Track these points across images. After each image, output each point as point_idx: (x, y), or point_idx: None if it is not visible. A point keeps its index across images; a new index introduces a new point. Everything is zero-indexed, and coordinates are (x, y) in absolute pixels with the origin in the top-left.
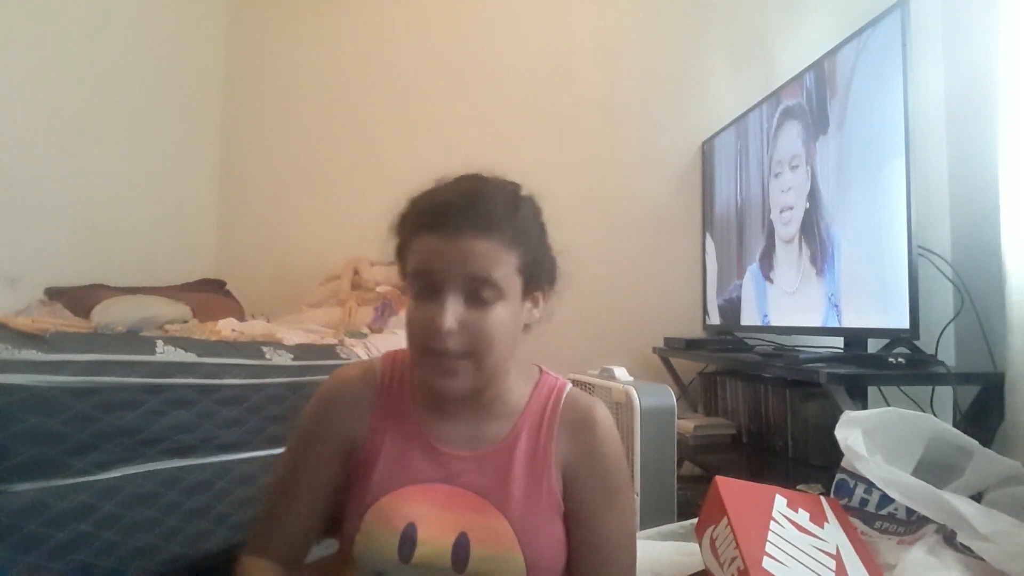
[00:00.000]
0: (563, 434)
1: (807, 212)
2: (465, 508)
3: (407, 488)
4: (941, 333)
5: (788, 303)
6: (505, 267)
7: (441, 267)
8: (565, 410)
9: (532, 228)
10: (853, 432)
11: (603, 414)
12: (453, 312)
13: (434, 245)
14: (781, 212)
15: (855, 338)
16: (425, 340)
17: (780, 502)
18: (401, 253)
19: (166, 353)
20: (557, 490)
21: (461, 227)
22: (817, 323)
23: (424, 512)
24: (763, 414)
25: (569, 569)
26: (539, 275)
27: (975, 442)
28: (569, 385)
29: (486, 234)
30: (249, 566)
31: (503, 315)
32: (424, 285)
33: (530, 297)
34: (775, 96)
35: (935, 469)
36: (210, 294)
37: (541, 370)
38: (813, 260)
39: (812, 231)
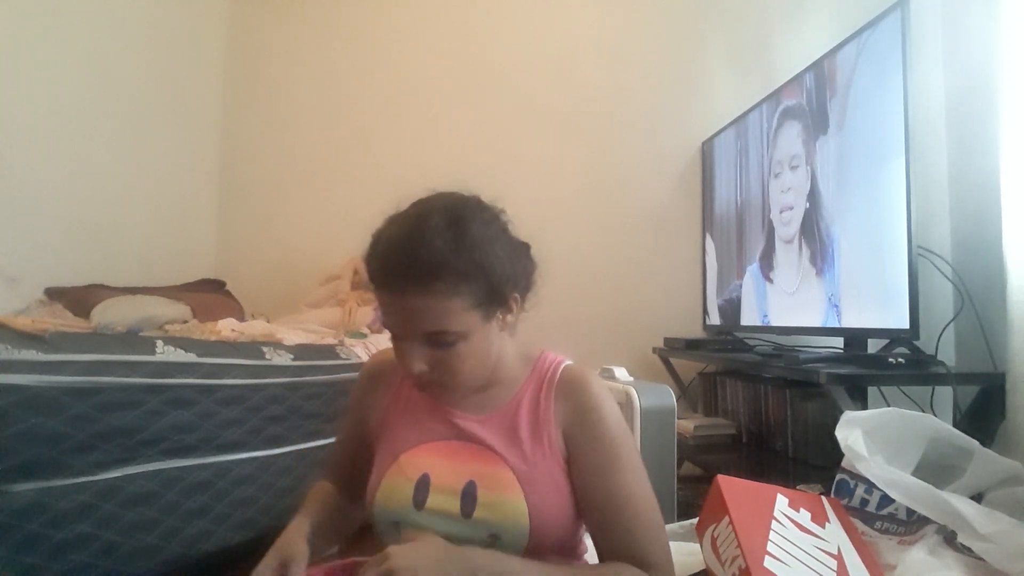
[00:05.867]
0: (560, 398)
1: (807, 212)
2: (473, 459)
3: (423, 445)
4: (941, 333)
5: (788, 303)
6: (455, 312)
7: (396, 323)
8: (562, 378)
9: (484, 249)
10: (853, 432)
11: (597, 380)
12: (418, 358)
13: (386, 302)
14: (781, 212)
15: (855, 338)
16: (408, 375)
17: (782, 501)
18: None
19: (166, 353)
20: (558, 446)
21: (404, 285)
22: (817, 323)
23: (437, 463)
24: (763, 414)
25: (590, 529)
26: (502, 292)
27: (975, 442)
28: (568, 361)
29: (427, 289)
30: (317, 485)
31: (467, 349)
32: (393, 328)
33: (505, 308)
34: (775, 96)
35: (935, 469)
36: (210, 294)
37: (542, 351)
38: (813, 260)
39: (812, 231)
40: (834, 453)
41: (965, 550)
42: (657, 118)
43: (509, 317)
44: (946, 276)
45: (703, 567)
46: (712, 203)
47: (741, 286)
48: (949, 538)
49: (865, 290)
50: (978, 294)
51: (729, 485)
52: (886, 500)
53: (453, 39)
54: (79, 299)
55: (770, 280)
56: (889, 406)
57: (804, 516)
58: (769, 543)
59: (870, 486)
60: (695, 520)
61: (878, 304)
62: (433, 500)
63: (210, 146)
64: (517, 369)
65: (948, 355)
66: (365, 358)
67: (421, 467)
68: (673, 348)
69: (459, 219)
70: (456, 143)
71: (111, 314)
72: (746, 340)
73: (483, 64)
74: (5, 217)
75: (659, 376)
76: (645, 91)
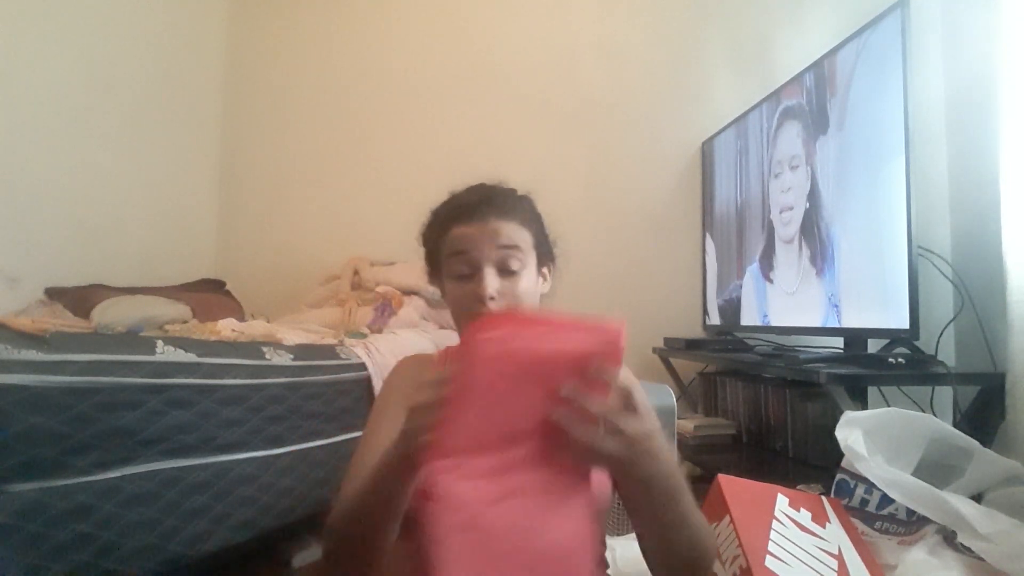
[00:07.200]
0: None
1: (807, 212)
2: None
3: None
4: (941, 333)
5: (788, 303)
6: (525, 241)
7: (477, 247)
8: None
9: (536, 212)
10: (854, 432)
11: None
12: (492, 281)
13: (467, 231)
14: (781, 212)
15: (855, 338)
16: (471, 310)
17: (782, 501)
18: (432, 256)
19: (166, 353)
20: None
21: (487, 213)
22: (817, 323)
23: None
24: (763, 414)
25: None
26: (546, 252)
27: (975, 442)
28: None
29: (507, 216)
30: None
31: (529, 281)
32: (463, 266)
33: (541, 271)
34: (775, 96)
35: (935, 469)
36: (210, 294)
37: None
38: (813, 260)
39: (812, 231)
40: (834, 453)
41: (965, 550)
42: (657, 118)
43: (544, 284)
44: (946, 276)
45: None
46: (712, 203)
47: (741, 286)
48: (949, 538)
49: (865, 290)
50: (978, 294)
51: (730, 485)
52: (886, 500)
53: (453, 39)
54: (79, 299)
55: (770, 280)
56: (889, 406)
57: (804, 516)
58: (770, 543)
59: (870, 486)
60: None
61: (878, 304)
62: None
63: (210, 146)
64: None
65: (948, 355)
66: (365, 358)
67: None
68: (673, 348)
69: (515, 189)
70: (456, 143)
71: (111, 314)
72: (746, 340)
73: (484, 64)
74: (5, 217)
75: (659, 376)
76: (645, 91)
